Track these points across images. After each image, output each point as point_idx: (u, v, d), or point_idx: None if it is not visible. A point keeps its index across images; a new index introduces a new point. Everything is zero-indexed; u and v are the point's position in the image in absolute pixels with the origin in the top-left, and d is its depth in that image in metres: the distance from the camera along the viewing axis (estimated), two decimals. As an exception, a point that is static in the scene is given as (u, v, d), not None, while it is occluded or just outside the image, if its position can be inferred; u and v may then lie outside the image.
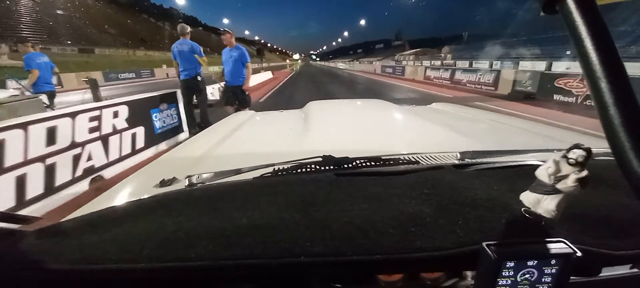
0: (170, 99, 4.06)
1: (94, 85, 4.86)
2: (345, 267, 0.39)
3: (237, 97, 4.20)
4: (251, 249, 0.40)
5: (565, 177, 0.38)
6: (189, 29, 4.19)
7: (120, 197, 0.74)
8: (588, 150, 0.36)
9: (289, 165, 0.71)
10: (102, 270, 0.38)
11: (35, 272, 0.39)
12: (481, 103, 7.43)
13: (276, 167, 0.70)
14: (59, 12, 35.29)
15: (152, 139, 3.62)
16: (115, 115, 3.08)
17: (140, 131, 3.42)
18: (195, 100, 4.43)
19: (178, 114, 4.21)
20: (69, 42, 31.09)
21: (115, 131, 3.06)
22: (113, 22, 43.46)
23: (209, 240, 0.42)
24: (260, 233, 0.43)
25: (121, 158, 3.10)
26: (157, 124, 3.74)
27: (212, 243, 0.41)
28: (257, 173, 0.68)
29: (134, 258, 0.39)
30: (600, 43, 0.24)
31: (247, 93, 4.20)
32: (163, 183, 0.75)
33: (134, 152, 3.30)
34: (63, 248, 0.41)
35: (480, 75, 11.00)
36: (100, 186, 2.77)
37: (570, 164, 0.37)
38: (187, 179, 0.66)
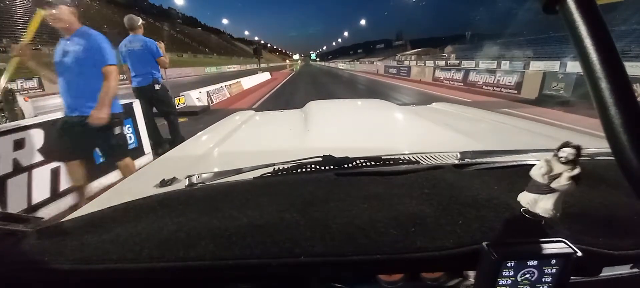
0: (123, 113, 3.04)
1: (8, 99, 3.57)
2: (345, 267, 0.39)
3: (86, 143, 1.89)
4: (251, 249, 0.40)
5: (559, 175, 0.38)
6: (140, 21, 3.14)
7: (121, 197, 0.69)
8: (577, 148, 0.36)
9: (289, 165, 0.70)
10: (102, 270, 0.38)
11: (35, 272, 0.39)
12: (511, 110, 6.36)
13: (276, 167, 0.70)
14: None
15: (91, 172, 2.61)
16: (19, 145, 2.08)
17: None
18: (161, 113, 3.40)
19: (135, 131, 3.20)
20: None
21: (20, 169, 2.06)
22: (112, 22, 42.67)
23: (209, 240, 0.41)
24: (261, 233, 0.43)
25: (30, 209, 2.09)
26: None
27: (213, 243, 0.41)
28: (257, 173, 0.67)
29: (135, 258, 0.39)
30: (600, 43, 0.24)
31: (115, 130, 1.87)
32: (163, 183, 0.74)
33: (57, 195, 2.29)
34: (63, 248, 0.41)
35: (500, 76, 9.79)
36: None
37: (561, 163, 0.37)
38: (187, 179, 0.66)
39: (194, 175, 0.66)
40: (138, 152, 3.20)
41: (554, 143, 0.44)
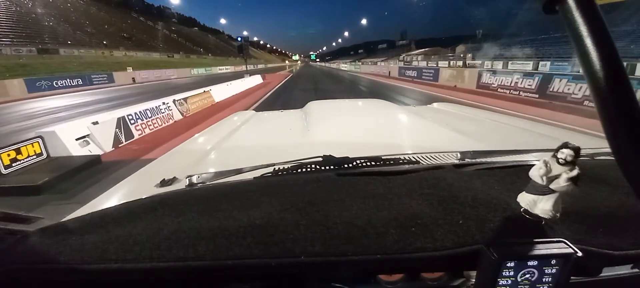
0: None
1: None
2: (345, 267, 0.39)
3: None
4: (251, 249, 0.40)
5: (557, 176, 0.38)
6: None
7: (121, 196, 0.72)
8: (576, 149, 0.36)
9: (290, 165, 0.70)
10: (102, 270, 0.38)
11: (35, 272, 0.39)
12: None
13: (276, 167, 0.70)
14: (40, 10, 32.15)
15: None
16: None
17: None
18: None
19: None
20: (68, 41, 28.14)
21: None
22: (111, 23, 40.67)
23: (209, 240, 0.41)
24: (261, 233, 0.43)
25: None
26: None
27: (213, 243, 0.41)
28: (257, 173, 0.67)
29: (135, 258, 0.39)
30: (600, 43, 0.24)
31: None
32: (163, 183, 0.74)
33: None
34: (63, 248, 0.41)
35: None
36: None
37: (560, 164, 0.37)
38: (187, 179, 0.66)
39: (194, 175, 0.66)
40: None
41: (554, 143, 0.41)
